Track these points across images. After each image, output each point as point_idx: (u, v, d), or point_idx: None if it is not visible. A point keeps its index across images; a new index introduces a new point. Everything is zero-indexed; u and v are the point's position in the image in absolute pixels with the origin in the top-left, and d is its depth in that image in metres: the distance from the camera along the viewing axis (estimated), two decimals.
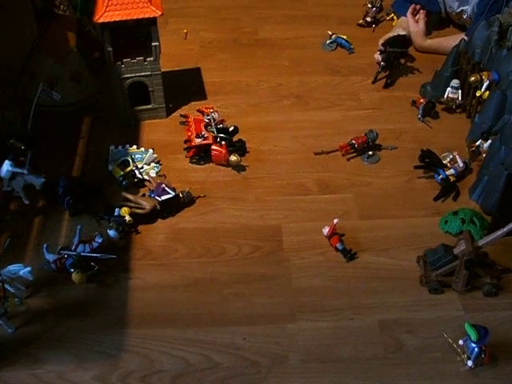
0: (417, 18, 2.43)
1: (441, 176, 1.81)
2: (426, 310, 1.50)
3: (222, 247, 1.65)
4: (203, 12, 2.68)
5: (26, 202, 1.73)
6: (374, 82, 2.25)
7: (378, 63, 2.24)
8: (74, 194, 1.71)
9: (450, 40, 2.29)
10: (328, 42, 2.45)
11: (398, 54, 2.25)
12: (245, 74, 2.30)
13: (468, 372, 1.36)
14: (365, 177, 1.87)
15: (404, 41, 2.30)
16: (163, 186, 1.74)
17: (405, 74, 2.30)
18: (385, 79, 2.24)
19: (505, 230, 1.45)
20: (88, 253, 1.54)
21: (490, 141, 1.86)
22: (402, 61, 2.31)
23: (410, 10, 2.45)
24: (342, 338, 1.44)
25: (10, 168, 1.64)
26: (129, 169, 1.80)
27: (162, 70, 1.99)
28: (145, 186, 1.80)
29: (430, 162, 1.85)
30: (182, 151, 1.90)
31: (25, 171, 1.67)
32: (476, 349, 1.34)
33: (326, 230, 1.65)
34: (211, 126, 1.94)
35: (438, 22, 2.54)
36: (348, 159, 1.93)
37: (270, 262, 1.61)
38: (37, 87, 1.84)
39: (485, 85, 1.96)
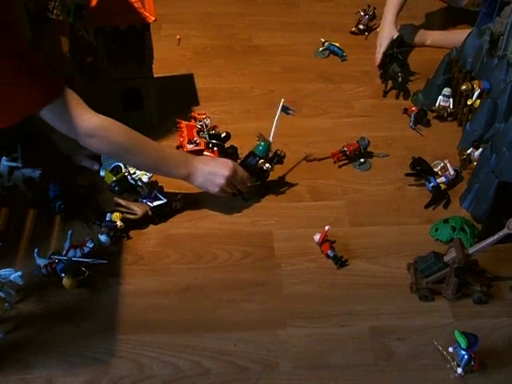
0: None
1: (432, 184, 1.81)
2: (417, 317, 1.51)
3: (213, 253, 1.65)
4: (197, 18, 2.68)
5: (29, 195, 1.76)
6: (384, 95, 2.26)
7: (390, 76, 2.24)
8: (66, 199, 1.71)
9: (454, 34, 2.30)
10: (321, 49, 2.46)
11: (403, 51, 2.26)
12: (237, 80, 2.31)
13: (458, 379, 1.37)
14: (356, 184, 1.87)
15: (401, 40, 2.31)
16: (155, 191, 1.74)
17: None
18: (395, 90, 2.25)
19: (495, 237, 1.46)
20: (79, 258, 1.54)
21: (480, 149, 1.87)
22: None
23: None
24: (333, 345, 1.44)
25: (5, 163, 1.71)
26: (121, 174, 1.80)
27: (155, 75, 1.99)
28: (137, 191, 1.79)
29: (421, 169, 1.85)
30: None
31: (19, 164, 1.71)
32: (466, 356, 1.34)
33: (317, 237, 1.65)
34: (203, 131, 1.94)
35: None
36: (340, 166, 1.93)
37: (261, 269, 1.61)
38: None
39: (476, 93, 1.97)
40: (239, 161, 1.83)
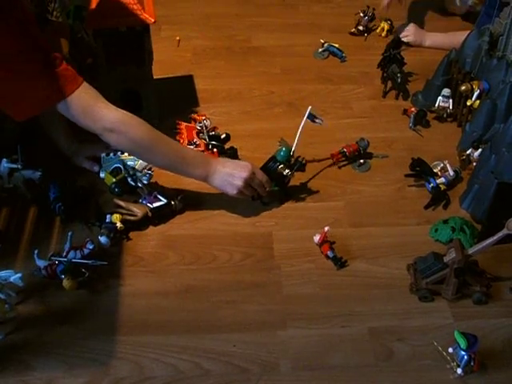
0: None
1: (431, 184, 1.82)
2: (416, 317, 1.51)
3: (213, 254, 1.65)
4: (196, 20, 2.68)
5: (29, 197, 1.76)
6: (384, 96, 2.26)
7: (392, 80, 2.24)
8: (66, 201, 1.71)
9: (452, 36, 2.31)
10: (320, 50, 2.47)
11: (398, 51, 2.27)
12: (237, 81, 2.31)
13: (457, 380, 1.37)
14: (356, 185, 1.87)
15: (398, 41, 2.31)
16: (155, 193, 1.74)
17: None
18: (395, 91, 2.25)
19: (495, 238, 1.46)
20: (79, 259, 1.54)
21: (480, 149, 1.87)
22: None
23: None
24: (333, 346, 1.44)
25: (5, 164, 1.71)
26: (120, 176, 1.80)
27: (155, 77, 2.00)
28: (137, 192, 1.80)
29: (420, 170, 1.85)
30: None
31: (19, 166, 1.71)
32: (465, 356, 1.34)
33: (316, 238, 1.65)
34: (203, 133, 1.94)
35: None
36: (339, 167, 1.93)
37: (260, 270, 1.61)
38: None
39: (475, 94, 1.97)
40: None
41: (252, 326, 1.48)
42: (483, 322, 1.49)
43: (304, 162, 1.83)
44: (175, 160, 1.66)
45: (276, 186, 1.78)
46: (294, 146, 1.77)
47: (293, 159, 1.79)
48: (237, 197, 1.70)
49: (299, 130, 1.77)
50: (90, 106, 1.52)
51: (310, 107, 1.78)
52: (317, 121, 1.81)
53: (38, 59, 1.47)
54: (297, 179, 1.86)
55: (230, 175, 1.67)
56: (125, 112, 1.57)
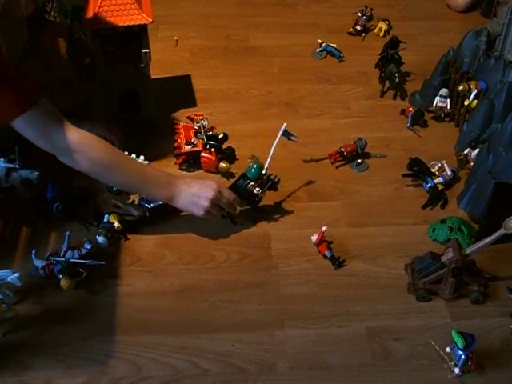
0: None
1: (429, 184, 1.82)
2: (414, 317, 1.51)
3: (210, 254, 1.65)
4: (194, 19, 2.68)
5: (27, 196, 1.75)
6: (382, 96, 2.26)
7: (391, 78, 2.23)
8: (63, 200, 1.71)
9: None
10: (318, 50, 2.46)
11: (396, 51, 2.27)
12: (235, 81, 2.31)
13: (455, 379, 1.37)
14: (353, 185, 1.87)
15: (396, 41, 2.31)
16: None
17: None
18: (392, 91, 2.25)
19: (492, 238, 1.46)
20: (77, 259, 1.54)
21: (477, 149, 1.87)
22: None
23: None
24: (331, 346, 1.45)
25: (2, 164, 1.70)
26: None
27: (153, 76, 1.99)
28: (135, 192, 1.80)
29: (418, 170, 1.85)
30: (172, 158, 1.91)
31: (17, 166, 1.70)
32: (463, 356, 1.34)
33: (314, 238, 1.65)
34: (201, 133, 1.94)
35: None
36: (337, 167, 1.93)
37: (258, 269, 1.62)
38: None
39: (473, 94, 1.98)
40: (230, 182, 1.78)
41: (250, 325, 1.48)
42: (481, 322, 1.50)
43: (277, 180, 1.74)
44: (137, 180, 1.61)
45: (247, 203, 1.74)
46: (267, 163, 1.71)
47: (265, 177, 1.71)
48: (204, 217, 1.65)
49: (273, 147, 1.71)
50: (47, 126, 1.45)
51: (285, 124, 1.71)
52: (292, 138, 1.74)
53: None
54: (293, 178, 1.86)
55: (195, 196, 1.61)
56: (83, 132, 1.51)
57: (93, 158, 1.52)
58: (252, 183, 1.70)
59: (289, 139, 1.75)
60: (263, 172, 1.70)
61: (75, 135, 1.49)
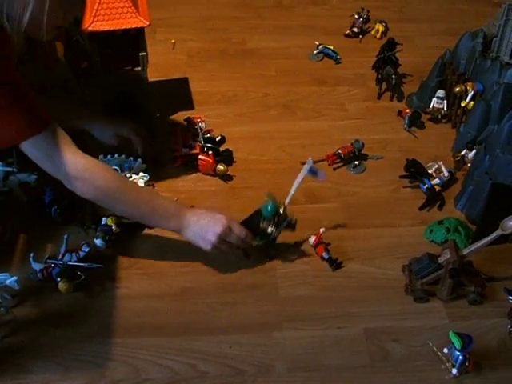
0: None
1: (426, 185, 1.82)
2: (412, 318, 1.51)
3: (208, 256, 1.65)
4: (191, 22, 2.68)
5: (25, 200, 1.75)
6: (379, 97, 2.26)
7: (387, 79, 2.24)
8: (61, 204, 1.71)
9: None
10: (315, 52, 2.47)
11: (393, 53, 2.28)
12: (232, 83, 2.31)
13: (452, 380, 1.38)
14: (351, 186, 1.88)
15: (392, 42, 2.32)
16: None
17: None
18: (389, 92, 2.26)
19: (489, 238, 1.47)
20: (75, 262, 1.54)
21: (474, 150, 1.88)
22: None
23: None
24: (329, 347, 1.45)
25: (0, 167, 1.70)
26: None
27: (150, 79, 2.00)
28: None
29: (415, 171, 1.86)
30: (170, 161, 1.91)
31: (15, 169, 1.70)
32: (460, 357, 1.35)
33: (312, 239, 1.66)
34: (198, 135, 1.94)
35: None
36: (334, 169, 1.94)
37: (256, 271, 1.62)
38: None
39: (469, 95, 1.98)
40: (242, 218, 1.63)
41: (248, 327, 1.48)
42: (478, 323, 1.50)
43: (294, 221, 1.62)
44: (145, 211, 1.54)
45: (261, 239, 1.63)
46: (287, 201, 1.60)
47: (282, 216, 1.59)
48: (214, 252, 1.57)
49: (295, 186, 1.60)
50: (55, 151, 1.41)
51: (310, 158, 1.58)
52: (320, 176, 1.59)
53: (6, 92, 1.35)
54: (291, 180, 1.85)
55: (203, 230, 1.53)
56: (92, 159, 1.48)
57: (98, 187, 1.48)
58: (265, 222, 1.59)
59: (315, 177, 1.61)
60: (280, 211, 1.59)
61: (81, 162, 1.45)
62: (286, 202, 1.59)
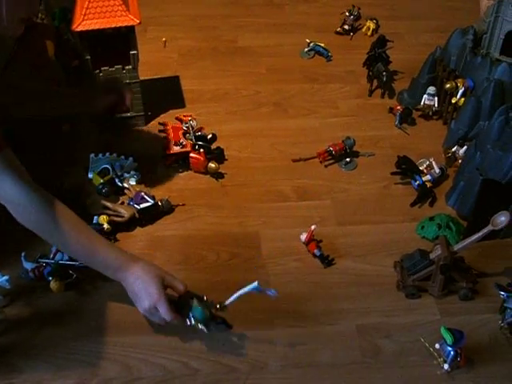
0: None
1: (417, 182, 1.83)
2: (403, 314, 1.52)
3: (200, 254, 1.65)
4: (182, 20, 2.68)
5: None
6: (370, 95, 2.27)
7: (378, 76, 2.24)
8: None
9: None
10: (306, 49, 2.47)
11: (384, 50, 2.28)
12: (223, 81, 2.31)
13: (444, 375, 1.38)
14: (342, 183, 1.88)
15: (383, 40, 2.32)
16: (142, 194, 1.74)
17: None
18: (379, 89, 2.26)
19: (480, 234, 1.47)
20: (66, 261, 1.54)
21: (465, 147, 1.88)
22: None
23: None
24: (321, 344, 1.45)
25: None
26: (108, 177, 1.80)
27: (141, 78, 2.00)
28: (124, 193, 1.80)
29: (406, 168, 1.86)
30: (161, 159, 1.91)
31: None
32: (452, 352, 1.35)
33: (303, 237, 1.66)
34: (189, 133, 1.94)
35: None
36: (326, 166, 1.94)
37: (248, 269, 1.62)
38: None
39: (460, 92, 1.99)
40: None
41: (240, 325, 1.48)
42: (469, 318, 1.51)
43: (224, 322, 1.44)
44: (82, 255, 1.45)
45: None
46: (228, 302, 1.41)
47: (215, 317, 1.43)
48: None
49: (236, 295, 1.39)
50: (2, 175, 1.35)
51: (257, 282, 1.36)
52: (271, 293, 1.38)
53: None
54: (282, 178, 1.86)
55: (133, 296, 1.43)
56: (39, 189, 1.40)
57: (38, 220, 1.41)
58: (195, 319, 1.41)
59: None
60: (212, 311, 1.41)
61: (20, 190, 1.37)
62: (226, 302, 1.41)
